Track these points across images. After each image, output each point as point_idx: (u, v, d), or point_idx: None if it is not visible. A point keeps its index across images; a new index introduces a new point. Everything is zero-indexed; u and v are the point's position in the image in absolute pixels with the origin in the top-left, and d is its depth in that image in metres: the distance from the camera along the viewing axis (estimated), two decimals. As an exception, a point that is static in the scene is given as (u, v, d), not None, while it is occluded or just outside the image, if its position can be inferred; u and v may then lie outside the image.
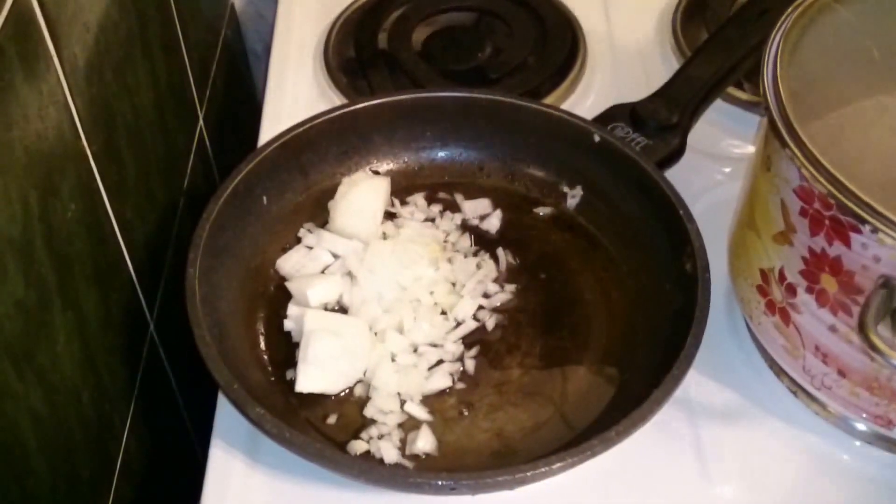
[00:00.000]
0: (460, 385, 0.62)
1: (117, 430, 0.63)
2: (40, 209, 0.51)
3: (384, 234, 0.70)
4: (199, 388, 0.77)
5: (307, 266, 0.67)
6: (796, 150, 0.50)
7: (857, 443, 0.60)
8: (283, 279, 0.67)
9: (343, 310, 0.65)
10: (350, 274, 0.66)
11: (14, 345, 0.48)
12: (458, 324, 0.65)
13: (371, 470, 0.55)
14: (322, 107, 0.74)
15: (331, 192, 0.70)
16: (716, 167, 0.76)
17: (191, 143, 0.84)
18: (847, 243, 0.50)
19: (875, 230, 0.48)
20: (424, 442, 0.58)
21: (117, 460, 0.63)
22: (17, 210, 0.48)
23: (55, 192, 0.53)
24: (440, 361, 0.63)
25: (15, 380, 0.49)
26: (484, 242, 0.70)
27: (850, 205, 0.48)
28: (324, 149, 0.71)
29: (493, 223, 0.71)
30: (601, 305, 0.66)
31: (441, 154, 0.74)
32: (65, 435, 0.55)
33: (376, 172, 0.74)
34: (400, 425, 0.60)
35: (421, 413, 0.60)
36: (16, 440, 0.49)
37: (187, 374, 0.78)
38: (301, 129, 0.70)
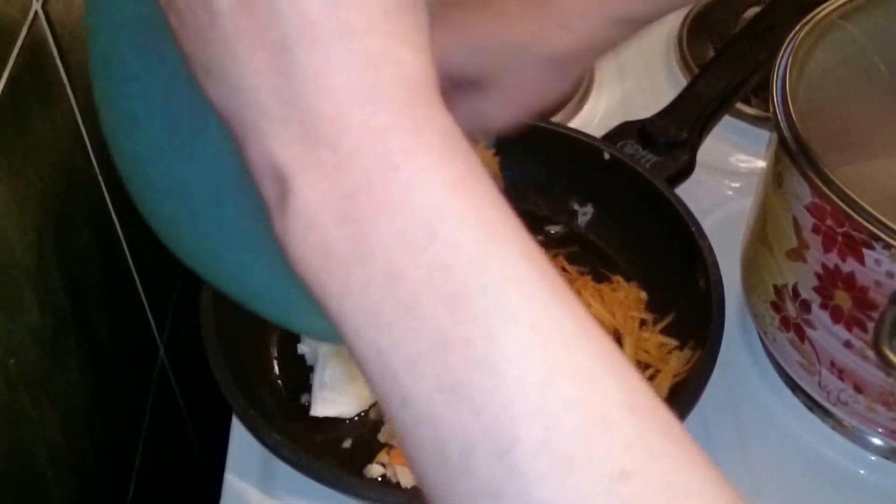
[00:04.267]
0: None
1: (129, 456, 0.63)
2: (55, 237, 0.51)
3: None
4: (208, 412, 0.77)
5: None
6: (807, 168, 0.51)
7: (874, 457, 0.60)
8: (295, 302, 0.67)
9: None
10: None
11: (30, 373, 0.48)
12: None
13: (390, 494, 0.54)
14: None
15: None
16: (724, 182, 0.76)
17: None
18: (860, 260, 0.50)
19: (888, 246, 0.48)
20: (440, 464, 0.58)
21: (130, 488, 0.63)
22: (33, 239, 0.48)
23: (69, 220, 0.53)
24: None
25: (30, 407, 0.49)
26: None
27: (863, 222, 0.48)
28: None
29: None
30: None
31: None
32: (80, 464, 0.55)
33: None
34: (415, 448, 0.60)
35: (435, 435, 0.60)
36: (33, 471, 0.49)
37: (197, 398, 0.78)
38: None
